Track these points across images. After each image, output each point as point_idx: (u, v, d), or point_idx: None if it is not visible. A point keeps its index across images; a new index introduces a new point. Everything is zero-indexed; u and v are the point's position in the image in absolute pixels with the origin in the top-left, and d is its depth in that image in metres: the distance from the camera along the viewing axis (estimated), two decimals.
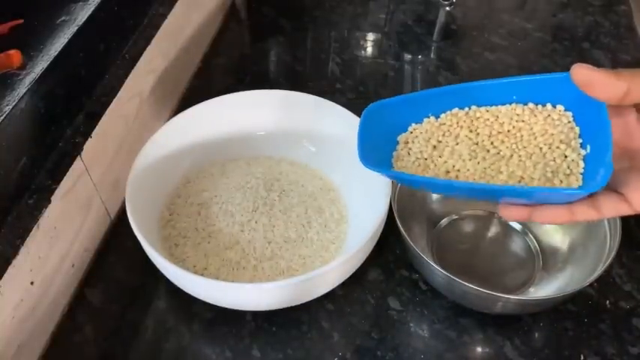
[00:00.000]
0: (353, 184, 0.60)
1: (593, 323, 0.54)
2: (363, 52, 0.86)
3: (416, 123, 0.43)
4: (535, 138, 0.39)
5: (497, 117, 0.40)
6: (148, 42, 0.63)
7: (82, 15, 0.52)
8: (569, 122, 0.38)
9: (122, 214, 0.61)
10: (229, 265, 0.54)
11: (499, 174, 0.38)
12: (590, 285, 0.51)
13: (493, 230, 0.61)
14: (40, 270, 0.49)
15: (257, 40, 0.89)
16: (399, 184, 0.54)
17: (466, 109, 0.41)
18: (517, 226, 0.61)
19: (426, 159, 0.41)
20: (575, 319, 0.54)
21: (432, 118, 0.42)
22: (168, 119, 0.60)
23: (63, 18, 0.51)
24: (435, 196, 0.62)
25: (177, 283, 0.51)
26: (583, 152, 0.37)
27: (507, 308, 0.53)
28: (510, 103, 0.40)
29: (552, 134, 0.38)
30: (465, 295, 0.52)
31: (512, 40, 0.87)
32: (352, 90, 0.79)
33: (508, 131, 0.40)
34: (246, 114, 0.64)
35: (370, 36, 0.88)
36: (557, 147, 0.38)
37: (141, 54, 0.62)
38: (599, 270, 0.49)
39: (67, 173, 0.50)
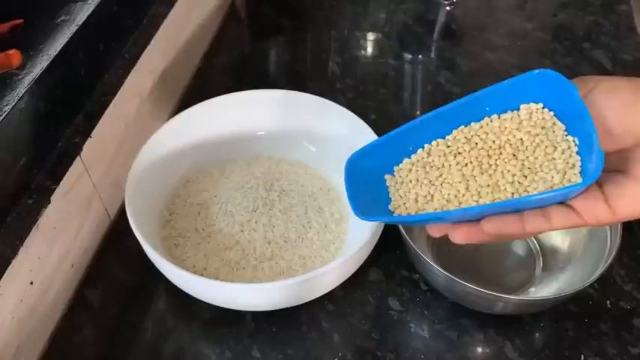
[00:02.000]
0: None
1: (594, 323, 0.54)
2: (363, 52, 0.86)
3: (398, 164, 0.43)
4: (522, 143, 0.38)
5: (478, 134, 0.40)
6: (147, 42, 0.63)
7: (82, 15, 0.52)
8: (551, 119, 0.38)
9: (122, 214, 0.61)
10: (229, 265, 0.54)
11: (497, 189, 0.38)
12: (591, 285, 0.51)
13: None
14: (40, 270, 0.49)
15: (257, 40, 0.89)
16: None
17: (446, 136, 0.41)
18: None
19: (424, 196, 0.40)
20: (575, 320, 0.54)
21: (414, 156, 0.42)
22: (168, 119, 0.60)
23: (63, 18, 0.51)
24: None
25: (177, 283, 0.51)
26: (574, 147, 0.36)
27: (508, 308, 0.52)
28: (488, 116, 0.40)
29: (537, 135, 0.38)
30: (465, 295, 0.52)
31: (512, 39, 0.87)
32: (352, 90, 0.78)
33: (493, 142, 0.39)
34: (246, 114, 0.64)
35: (370, 36, 0.88)
36: (547, 147, 0.37)
37: (141, 54, 0.62)
38: (600, 270, 0.49)
39: (67, 173, 0.50)
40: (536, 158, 0.37)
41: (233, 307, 0.51)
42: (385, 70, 0.82)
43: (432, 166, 0.41)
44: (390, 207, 0.42)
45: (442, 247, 0.59)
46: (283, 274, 0.54)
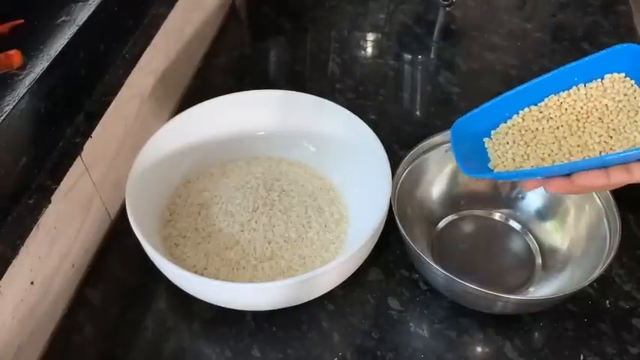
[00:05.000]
0: (353, 184, 0.60)
1: (593, 323, 0.54)
2: (363, 52, 0.86)
3: (495, 129, 0.47)
4: (607, 108, 0.43)
5: (567, 101, 0.45)
6: (147, 42, 0.63)
7: (82, 15, 0.52)
8: (632, 86, 0.42)
9: (122, 214, 0.61)
10: (229, 265, 0.54)
11: (586, 148, 0.42)
12: (590, 285, 0.51)
13: (493, 230, 0.61)
14: (40, 270, 0.49)
15: (257, 40, 0.89)
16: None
17: (539, 104, 0.46)
18: (517, 226, 0.61)
19: (521, 155, 0.45)
20: (575, 319, 0.54)
21: (510, 121, 0.47)
22: (168, 119, 0.60)
23: (63, 18, 0.51)
24: (435, 196, 0.62)
25: (177, 283, 0.51)
26: None
27: (507, 308, 0.53)
28: (576, 85, 0.45)
29: (620, 101, 0.42)
30: (465, 295, 0.52)
31: (512, 40, 0.87)
32: (352, 90, 0.79)
33: (581, 108, 0.44)
34: (246, 114, 0.64)
35: (370, 36, 0.88)
36: (629, 111, 0.42)
37: (141, 54, 0.62)
38: (599, 270, 0.49)
39: (67, 173, 0.50)
40: (619, 121, 0.42)
41: (233, 307, 0.51)
42: (385, 71, 0.82)
43: (526, 130, 0.46)
44: (490, 166, 0.46)
45: (442, 247, 0.59)
46: (283, 274, 0.54)
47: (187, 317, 0.55)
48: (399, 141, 0.68)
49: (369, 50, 0.87)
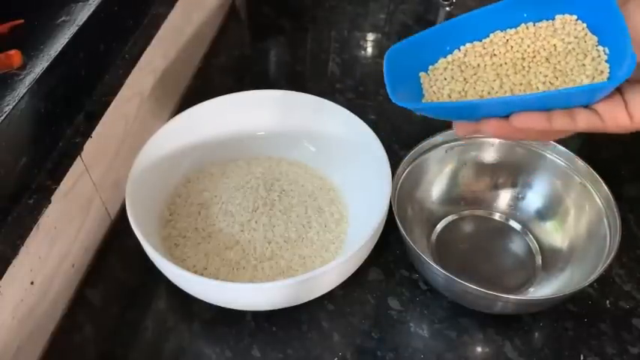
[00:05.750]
0: (353, 184, 0.60)
1: (593, 323, 0.54)
2: (363, 52, 0.86)
3: (433, 63, 0.44)
4: (555, 49, 0.41)
5: (514, 38, 0.42)
6: (148, 42, 0.63)
7: (82, 15, 0.52)
8: (583, 30, 0.40)
9: (122, 214, 0.61)
10: (229, 265, 0.54)
11: (530, 87, 0.40)
12: (590, 285, 0.51)
13: (493, 230, 0.61)
14: (40, 270, 0.49)
15: (257, 40, 0.89)
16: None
17: (483, 40, 0.43)
18: (517, 226, 0.61)
19: (459, 92, 0.42)
20: (575, 319, 0.54)
21: (450, 56, 0.44)
22: (169, 119, 0.60)
23: (63, 18, 0.51)
24: (435, 196, 0.62)
25: (177, 283, 0.51)
26: (604, 55, 0.38)
27: (507, 308, 0.53)
28: (524, 23, 0.42)
29: (569, 42, 0.40)
30: (465, 295, 0.52)
31: None
32: (352, 90, 0.79)
33: (528, 47, 0.41)
34: (246, 114, 0.64)
35: (370, 36, 0.88)
36: (578, 54, 0.40)
37: (141, 54, 0.62)
38: (599, 270, 0.49)
39: (67, 173, 0.50)
40: (567, 63, 0.40)
41: (233, 307, 0.51)
42: None
43: (467, 66, 0.43)
44: (423, 101, 0.43)
45: (442, 247, 0.59)
46: (283, 274, 0.54)
47: (187, 317, 0.55)
48: (399, 141, 0.68)
49: (369, 50, 0.87)
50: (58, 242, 0.52)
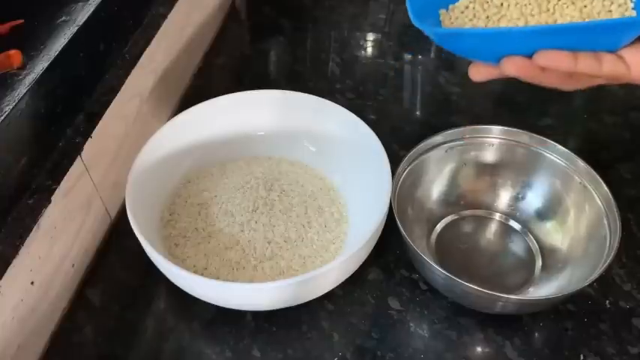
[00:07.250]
0: (353, 184, 0.60)
1: (593, 323, 0.54)
2: (363, 52, 0.86)
3: (454, 2, 0.43)
4: None
5: None
6: (148, 42, 0.63)
7: (82, 15, 0.52)
8: None
9: (122, 214, 0.61)
10: (229, 265, 0.54)
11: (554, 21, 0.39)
12: (590, 285, 0.51)
13: (493, 230, 0.61)
14: (40, 270, 0.49)
15: (257, 40, 0.89)
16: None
17: None
18: (517, 226, 0.61)
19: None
20: (575, 319, 0.54)
21: None
22: (169, 119, 0.60)
23: (63, 18, 0.51)
24: (435, 196, 0.62)
25: (177, 283, 0.51)
26: (630, 3, 0.39)
27: (507, 308, 0.53)
28: None
29: None
30: (465, 295, 0.52)
31: None
32: (352, 90, 0.79)
33: None
34: (246, 114, 0.64)
35: (370, 36, 0.88)
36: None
37: (141, 54, 0.62)
38: (599, 270, 0.49)
39: (67, 173, 0.50)
40: (594, 7, 0.40)
41: (233, 307, 0.51)
42: (385, 71, 0.82)
43: (490, 4, 0.42)
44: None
45: (442, 247, 0.59)
46: (283, 274, 0.54)
47: (187, 317, 0.55)
48: (399, 141, 0.68)
49: (369, 50, 0.87)
50: (58, 242, 0.52)
